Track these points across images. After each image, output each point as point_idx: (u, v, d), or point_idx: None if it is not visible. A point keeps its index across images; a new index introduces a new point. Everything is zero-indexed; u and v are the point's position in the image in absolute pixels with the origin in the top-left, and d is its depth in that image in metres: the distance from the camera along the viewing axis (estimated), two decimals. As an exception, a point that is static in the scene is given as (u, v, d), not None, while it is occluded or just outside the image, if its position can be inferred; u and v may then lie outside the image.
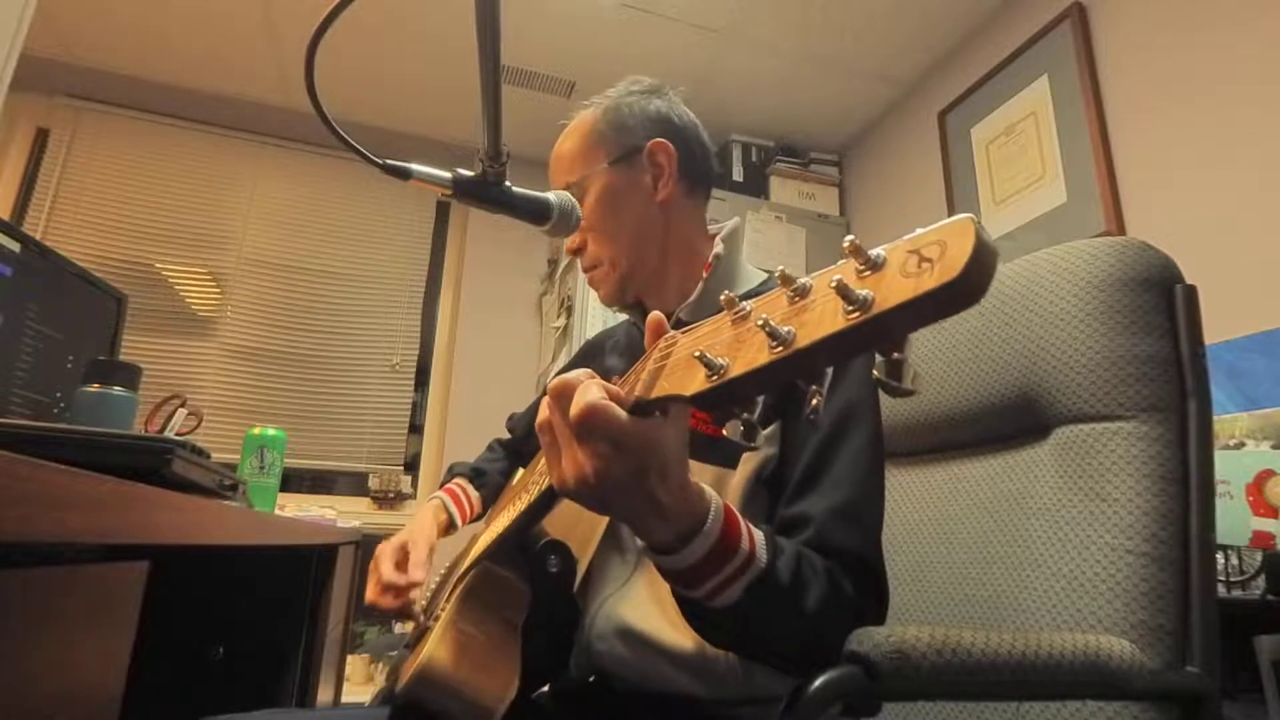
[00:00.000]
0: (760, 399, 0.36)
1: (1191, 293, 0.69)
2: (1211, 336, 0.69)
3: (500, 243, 3.17)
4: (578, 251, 0.83)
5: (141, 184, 2.86)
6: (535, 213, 0.69)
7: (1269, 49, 1.57)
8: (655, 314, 0.46)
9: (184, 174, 2.92)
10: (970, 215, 0.27)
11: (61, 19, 2.49)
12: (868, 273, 0.29)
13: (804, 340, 0.31)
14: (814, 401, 0.33)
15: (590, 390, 0.42)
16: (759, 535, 0.51)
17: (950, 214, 2.25)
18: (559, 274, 2.90)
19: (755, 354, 0.33)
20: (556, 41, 2.54)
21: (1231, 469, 1.34)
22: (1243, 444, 1.38)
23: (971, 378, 0.80)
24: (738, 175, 2.92)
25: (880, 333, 0.29)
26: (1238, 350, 1.49)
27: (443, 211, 3.27)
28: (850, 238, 0.31)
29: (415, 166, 0.64)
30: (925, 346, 0.88)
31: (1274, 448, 1.33)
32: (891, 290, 0.28)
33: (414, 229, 3.19)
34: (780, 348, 0.31)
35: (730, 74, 2.65)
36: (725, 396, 0.35)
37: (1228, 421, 1.41)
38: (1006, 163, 2.22)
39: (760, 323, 0.32)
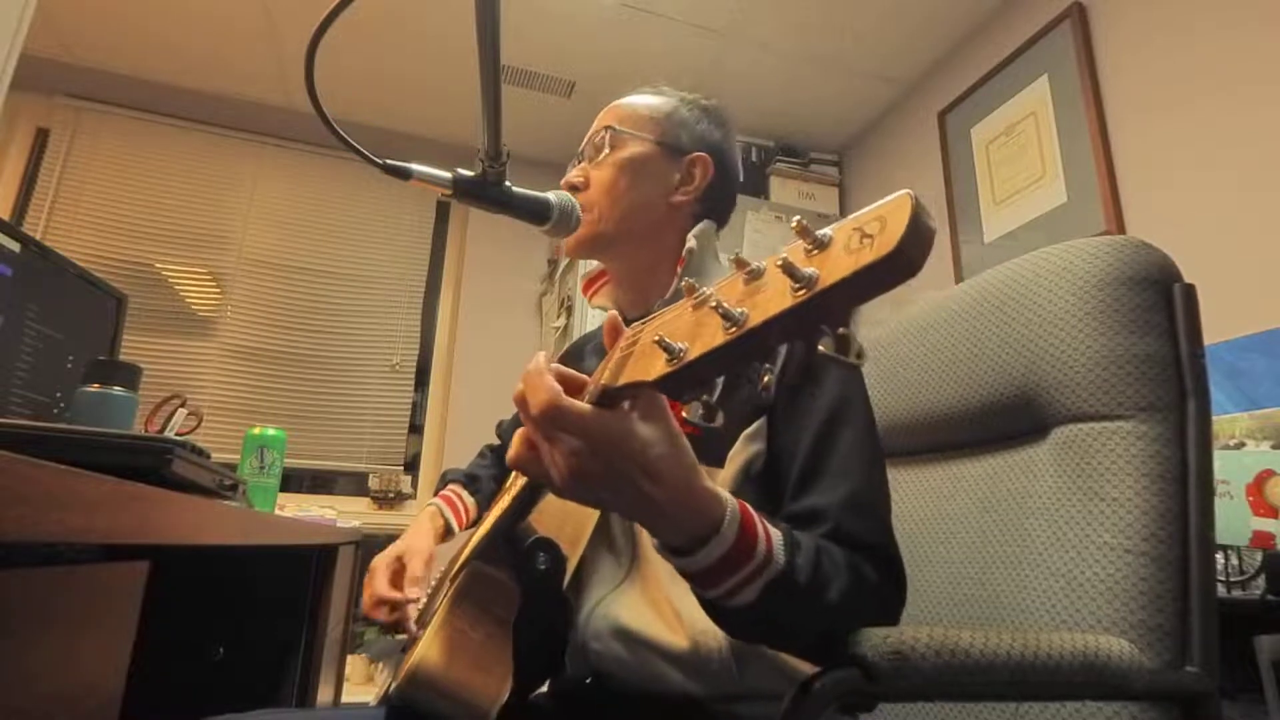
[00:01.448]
0: (719, 380, 0.37)
1: (1190, 291, 0.69)
2: (1211, 336, 0.69)
3: (500, 243, 3.17)
4: (575, 187, 0.83)
5: (141, 184, 2.86)
6: (535, 213, 0.69)
7: (1269, 49, 1.57)
8: (611, 314, 0.47)
9: (184, 174, 2.92)
10: (909, 191, 0.28)
11: (61, 19, 2.49)
12: (815, 251, 0.30)
13: (755, 320, 0.31)
14: (765, 379, 0.34)
15: (543, 386, 0.42)
16: (776, 535, 0.50)
17: (950, 214, 2.22)
18: (559, 274, 2.90)
19: (711, 336, 0.34)
20: (556, 41, 2.54)
21: (1231, 469, 1.34)
22: (1243, 444, 1.38)
23: (970, 377, 0.80)
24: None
25: (826, 308, 0.30)
26: (1238, 350, 1.49)
27: (443, 211, 3.27)
28: (798, 218, 0.32)
29: (415, 166, 0.64)
30: (924, 345, 0.88)
31: (1274, 448, 1.33)
32: (835, 267, 0.29)
33: (414, 229, 3.19)
34: (734, 328, 0.32)
35: (730, 74, 2.65)
36: (686, 379, 0.36)
37: (1228, 421, 1.41)
38: (1006, 163, 2.22)
39: (714, 305, 0.33)
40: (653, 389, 0.38)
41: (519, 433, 0.48)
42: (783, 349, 0.34)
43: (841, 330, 0.30)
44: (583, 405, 0.42)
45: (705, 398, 0.37)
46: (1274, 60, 1.56)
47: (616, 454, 0.42)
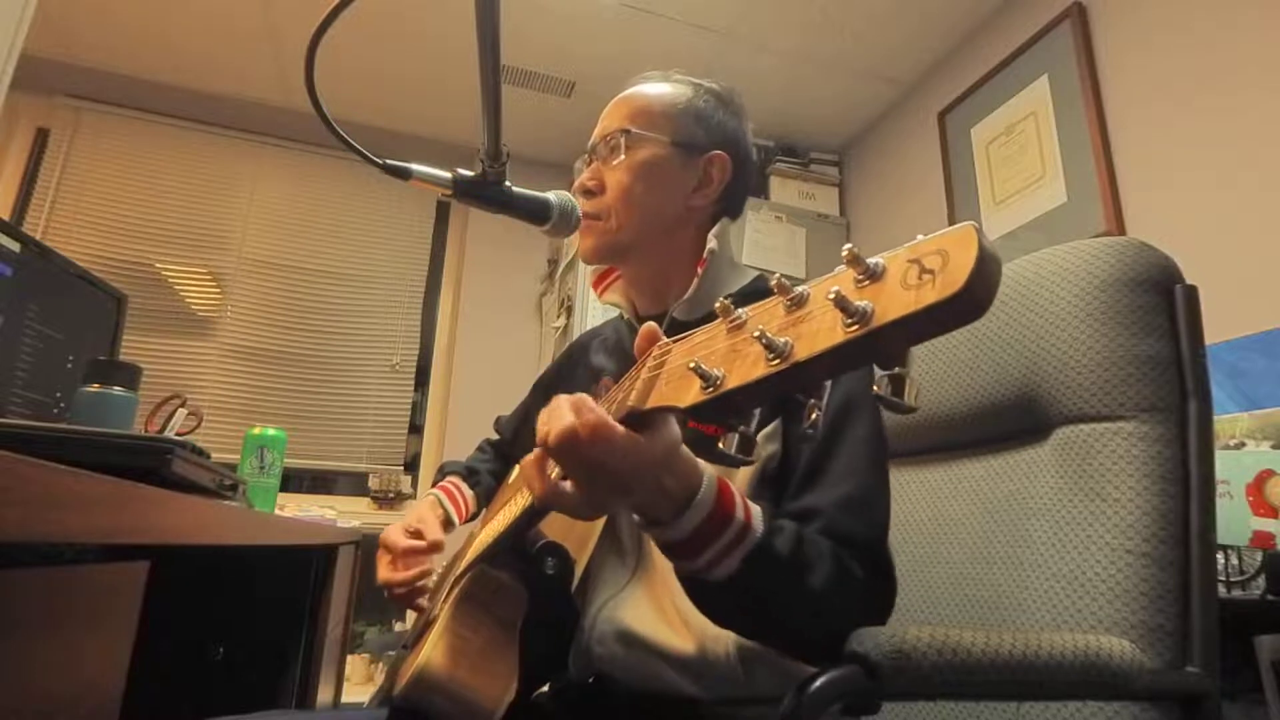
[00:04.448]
0: (756, 411, 0.36)
1: (1192, 293, 0.69)
2: (1211, 336, 0.69)
3: (500, 243, 3.16)
4: (589, 192, 0.81)
5: (141, 184, 2.86)
6: (535, 213, 0.69)
7: (1269, 49, 1.57)
8: (649, 324, 0.46)
9: (184, 174, 2.92)
10: (973, 223, 0.26)
11: (61, 19, 2.49)
12: (866, 282, 0.28)
13: (802, 353, 0.30)
14: (812, 416, 0.32)
15: (593, 408, 0.42)
16: (755, 508, 0.51)
17: (950, 214, 2.21)
18: (559, 274, 2.90)
19: (751, 366, 0.32)
20: (556, 41, 2.54)
21: (1231, 469, 1.34)
22: (1243, 444, 1.38)
23: (972, 378, 0.80)
24: (738, 175, 2.92)
25: (880, 346, 0.28)
26: (1238, 350, 1.49)
27: (443, 211, 3.27)
28: (849, 246, 0.30)
29: (415, 166, 0.64)
30: (926, 346, 0.87)
31: (1274, 448, 1.33)
32: (891, 302, 0.27)
33: (414, 229, 3.19)
34: (777, 360, 0.30)
35: (730, 74, 2.63)
36: (721, 408, 0.35)
37: (1228, 421, 1.41)
38: (1006, 163, 2.22)
39: (756, 334, 0.31)
40: (683, 415, 0.37)
41: (533, 467, 0.48)
42: (828, 385, 0.32)
43: (898, 369, 0.28)
44: (623, 433, 0.42)
45: (742, 429, 0.36)
46: (1274, 60, 1.56)
47: (648, 471, 0.44)
